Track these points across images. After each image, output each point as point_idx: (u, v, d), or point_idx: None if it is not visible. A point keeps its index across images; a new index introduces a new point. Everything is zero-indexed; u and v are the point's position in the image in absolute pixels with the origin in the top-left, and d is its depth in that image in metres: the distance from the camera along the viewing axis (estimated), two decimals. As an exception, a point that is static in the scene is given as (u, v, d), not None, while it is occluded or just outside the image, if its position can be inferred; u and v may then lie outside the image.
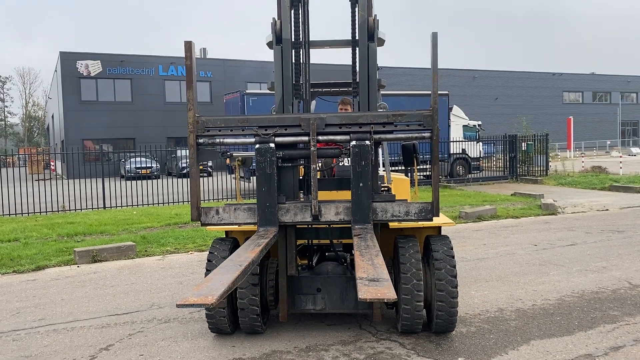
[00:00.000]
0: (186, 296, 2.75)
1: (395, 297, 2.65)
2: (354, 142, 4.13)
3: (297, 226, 4.60)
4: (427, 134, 4.13)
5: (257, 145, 4.19)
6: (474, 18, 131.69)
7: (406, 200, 4.30)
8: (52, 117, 47.05)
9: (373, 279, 2.89)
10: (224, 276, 3.05)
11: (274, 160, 4.19)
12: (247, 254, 3.52)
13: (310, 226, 4.72)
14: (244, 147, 4.51)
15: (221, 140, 4.26)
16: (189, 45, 4.01)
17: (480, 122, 25.27)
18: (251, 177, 18.39)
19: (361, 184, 4.13)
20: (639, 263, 7.20)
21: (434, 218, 4.21)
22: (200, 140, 4.22)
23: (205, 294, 2.75)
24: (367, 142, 4.12)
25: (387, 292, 2.70)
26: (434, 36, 3.92)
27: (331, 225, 4.69)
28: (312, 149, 4.14)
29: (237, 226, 4.54)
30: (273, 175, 4.19)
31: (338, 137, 4.22)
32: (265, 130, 4.20)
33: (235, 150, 4.85)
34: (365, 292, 2.71)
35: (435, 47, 3.92)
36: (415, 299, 4.36)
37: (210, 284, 2.92)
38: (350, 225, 4.56)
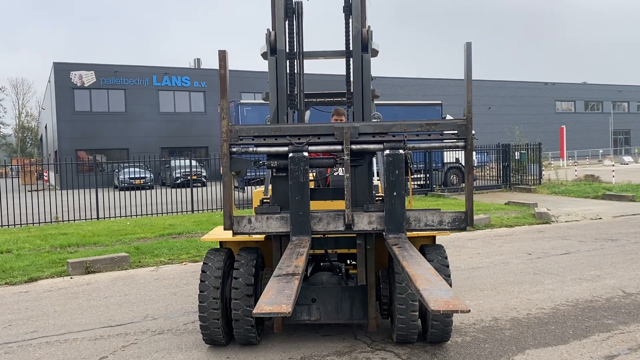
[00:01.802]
0: (259, 304, 2.77)
1: (469, 309, 2.64)
2: (387, 152, 4.13)
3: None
4: (461, 143, 4.13)
5: (290, 154, 4.18)
6: (466, 28, 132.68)
7: (439, 209, 4.30)
8: (46, 127, 46.91)
9: (436, 290, 2.88)
10: (288, 285, 3.06)
11: (307, 169, 4.18)
12: (294, 262, 3.50)
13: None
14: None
15: (255, 149, 4.25)
16: (222, 55, 3.99)
17: (473, 132, 25.31)
18: (245, 187, 18.37)
19: (395, 193, 4.12)
20: (632, 271, 7.22)
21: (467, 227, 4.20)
22: (234, 149, 4.22)
23: (277, 303, 2.76)
24: (401, 151, 4.13)
25: (458, 303, 2.69)
26: (468, 46, 3.90)
27: (326, 235, 4.68)
28: (346, 157, 4.13)
29: (270, 234, 4.51)
30: (306, 184, 4.17)
31: (371, 146, 4.21)
32: (299, 139, 4.20)
33: (266, 159, 4.83)
34: (435, 303, 2.68)
35: (469, 57, 3.89)
36: (411, 308, 4.35)
37: (276, 292, 2.92)
38: (346, 236, 4.56)
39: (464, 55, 3.93)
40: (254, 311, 2.70)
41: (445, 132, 4.16)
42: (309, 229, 4.18)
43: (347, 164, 4.14)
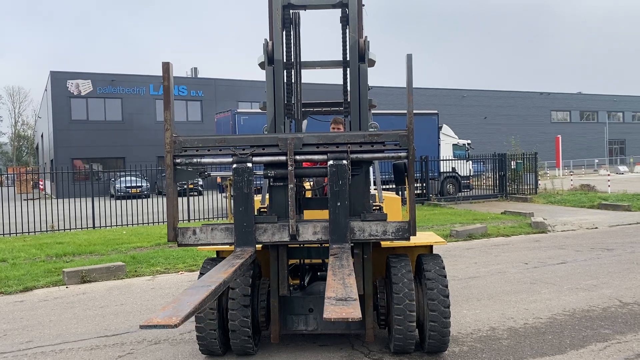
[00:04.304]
0: (151, 317, 2.71)
1: (360, 316, 2.64)
2: (331, 162, 4.17)
3: (289, 245, 4.59)
4: (403, 154, 4.17)
5: (234, 165, 4.20)
6: (461, 37, 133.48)
7: (385, 219, 4.31)
8: (42, 136, 46.84)
9: (341, 299, 2.89)
10: (192, 297, 3.02)
11: (252, 180, 4.21)
12: (219, 274, 3.50)
13: (302, 245, 4.71)
14: (222, 167, 4.51)
15: (199, 160, 4.27)
16: (166, 67, 4.05)
17: (469, 141, 25.47)
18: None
19: (339, 203, 4.15)
20: (628, 281, 7.23)
21: (411, 237, 4.21)
22: (178, 160, 4.24)
23: (170, 315, 2.71)
24: (344, 162, 4.15)
25: (352, 311, 2.69)
26: (409, 58, 3.99)
27: (323, 245, 4.68)
28: (290, 168, 4.17)
29: (214, 246, 4.51)
30: (250, 195, 4.20)
31: (315, 157, 4.25)
32: (243, 149, 4.22)
33: (214, 170, 4.84)
34: (330, 311, 2.70)
35: (410, 69, 3.98)
36: (408, 319, 4.35)
37: (177, 305, 2.89)
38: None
39: (405, 67, 3.99)
40: (141, 324, 2.67)
41: (388, 142, 4.20)
42: (253, 240, 4.20)
43: (291, 175, 4.17)
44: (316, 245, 4.68)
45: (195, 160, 4.26)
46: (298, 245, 4.72)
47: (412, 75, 3.98)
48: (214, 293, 3.18)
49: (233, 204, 4.25)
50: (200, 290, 3.16)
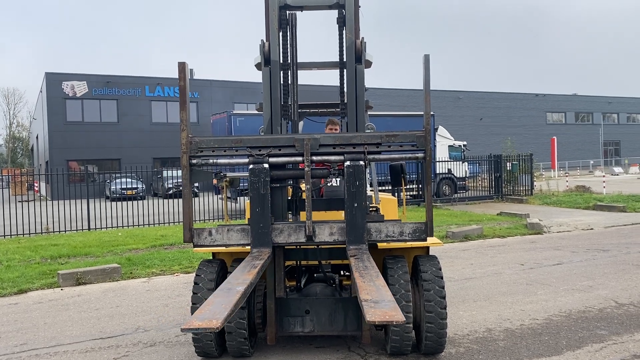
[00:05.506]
0: (190, 320, 2.72)
1: (404, 319, 2.62)
2: (348, 163, 4.16)
3: (286, 247, 4.57)
4: (420, 155, 4.17)
5: (250, 166, 4.18)
6: (458, 38, 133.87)
7: (400, 220, 4.31)
8: (37, 137, 46.65)
9: (378, 301, 2.87)
10: (226, 299, 3.02)
11: (268, 181, 4.19)
12: (244, 275, 3.49)
13: (299, 247, 4.70)
14: (233, 167, 4.51)
15: (214, 160, 4.25)
16: (182, 67, 4.02)
17: (465, 143, 25.52)
18: (238, 198, 18.31)
19: (355, 204, 4.14)
20: (624, 282, 7.25)
21: (427, 238, 4.21)
22: (194, 161, 4.21)
23: (209, 318, 2.72)
24: (361, 162, 4.15)
25: (395, 314, 2.69)
26: (426, 58, 3.97)
27: (320, 246, 4.67)
28: (307, 169, 4.15)
29: (229, 247, 4.50)
30: (267, 195, 4.18)
31: (332, 158, 4.24)
32: (259, 150, 4.20)
33: (227, 171, 4.83)
34: (372, 314, 2.68)
35: (428, 69, 3.96)
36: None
37: (212, 307, 2.89)
38: (339, 246, 4.55)
39: (422, 68, 3.98)
40: (182, 327, 2.67)
41: (404, 143, 4.20)
42: (269, 240, 4.19)
43: (307, 176, 4.16)
44: (312, 246, 4.67)
45: (211, 160, 4.25)
46: (295, 247, 4.70)
47: (430, 76, 3.97)
48: (244, 294, 3.19)
49: (249, 205, 4.23)
50: (230, 292, 3.16)
